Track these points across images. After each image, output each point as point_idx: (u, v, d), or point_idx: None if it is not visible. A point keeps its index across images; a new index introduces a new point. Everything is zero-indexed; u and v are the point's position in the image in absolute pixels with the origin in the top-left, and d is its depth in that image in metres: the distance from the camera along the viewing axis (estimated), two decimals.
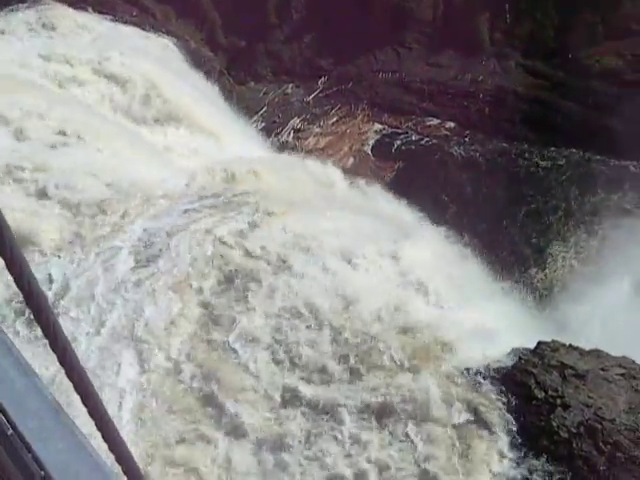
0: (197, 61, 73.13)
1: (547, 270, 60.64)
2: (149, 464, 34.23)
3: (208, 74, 72.56)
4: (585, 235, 63.05)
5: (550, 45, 77.31)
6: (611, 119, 70.87)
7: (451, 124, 75.24)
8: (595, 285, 53.17)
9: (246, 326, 38.98)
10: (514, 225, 64.10)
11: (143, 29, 70.70)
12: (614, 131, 69.73)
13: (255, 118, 77.35)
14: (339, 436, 35.64)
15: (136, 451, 34.66)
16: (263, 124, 77.06)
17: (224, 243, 42.59)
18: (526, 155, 70.49)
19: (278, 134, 76.24)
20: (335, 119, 77.41)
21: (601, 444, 33.72)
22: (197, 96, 64.19)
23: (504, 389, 36.38)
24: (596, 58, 75.36)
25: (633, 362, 37.79)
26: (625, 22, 76.59)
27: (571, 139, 70.61)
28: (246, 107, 76.98)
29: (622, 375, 36.75)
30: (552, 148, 70.87)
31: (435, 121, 76.00)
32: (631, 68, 73.79)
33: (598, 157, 68.93)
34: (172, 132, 59.43)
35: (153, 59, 64.64)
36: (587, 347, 39.33)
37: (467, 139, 73.34)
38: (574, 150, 70.20)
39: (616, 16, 76.41)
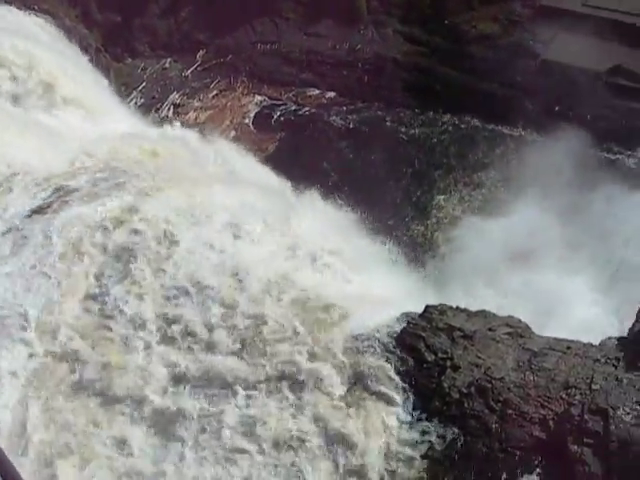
0: (73, 39, 71.39)
1: (431, 222, 61.78)
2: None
3: (85, 51, 70.97)
4: (468, 188, 64.48)
5: (427, 11, 77.89)
6: (488, 84, 72.14)
7: (331, 93, 75.38)
8: (478, 232, 54.83)
9: (134, 306, 38.41)
10: (398, 188, 64.90)
11: (17, 8, 68.47)
12: (491, 95, 71.01)
13: (134, 94, 76.18)
14: (234, 408, 35.55)
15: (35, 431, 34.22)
16: (142, 100, 75.91)
17: (108, 220, 41.85)
18: (406, 121, 71.19)
19: (158, 110, 75.19)
20: (215, 92, 76.69)
21: (492, 402, 34.38)
22: (76, 75, 62.68)
23: (395, 353, 36.75)
24: (472, 23, 76.36)
25: (519, 321, 38.60)
26: None
27: (450, 104, 71.53)
28: (124, 83, 75.75)
29: (509, 334, 37.50)
30: (431, 113, 71.70)
31: (315, 91, 75.99)
32: (507, 33, 75.09)
33: (477, 121, 70.07)
34: (54, 113, 57.96)
35: (28, 38, 62.82)
36: (475, 298, 40.24)
37: (347, 107, 73.58)
38: (453, 115, 71.18)
39: None
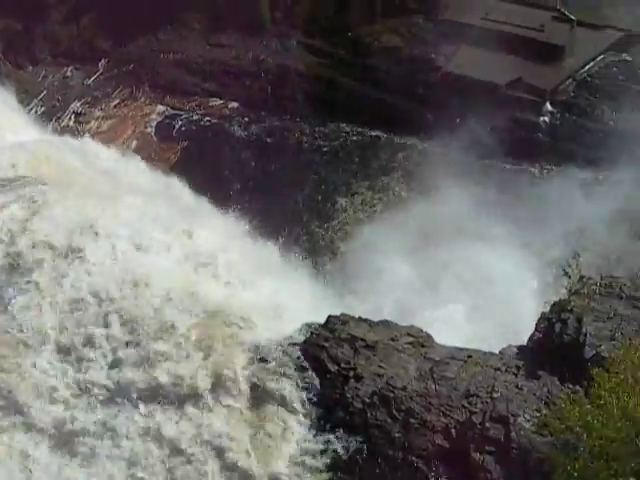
0: None
1: (333, 226, 62.06)
2: None
3: None
4: (371, 192, 65.03)
5: (330, 24, 78.28)
6: (390, 95, 72.81)
7: (234, 104, 75.13)
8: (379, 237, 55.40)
9: (33, 319, 37.64)
10: (300, 195, 64.91)
11: None
12: (393, 107, 71.68)
13: (35, 103, 74.88)
14: (133, 419, 35.06)
15: None
16: (43, 109, 74.63)
17: (5, 231, 40.99)
18: (309, 131, 71.37)
19: (59, 118, 73.96)
20: (117, 102, 75.83)
21: (395, 412, 34.53)
22: None
23: (298, 364, 36.68)
24: (375, 36, 77.03)
25: (421, 330, 38.89)
26: (402, 0, 78.73)
27: (352, 115, 71.89)
28: (25, 92, 74.41)
29: (411, 344, 37.75)
30: (334, 124, 71.94)
31: (218, 101, 75.65)
32: (409, 45, 75.90)
33: (379, 132, 70.59)
34: None
35: None
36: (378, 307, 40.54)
37: (250, 117, 73.37)
38: (356, 125, 71.52)
39: None
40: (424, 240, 55.65)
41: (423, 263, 53.80)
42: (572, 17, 78.17)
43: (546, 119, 70.82)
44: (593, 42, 77.26)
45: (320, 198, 64.97)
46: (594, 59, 76.08)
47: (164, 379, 36.04)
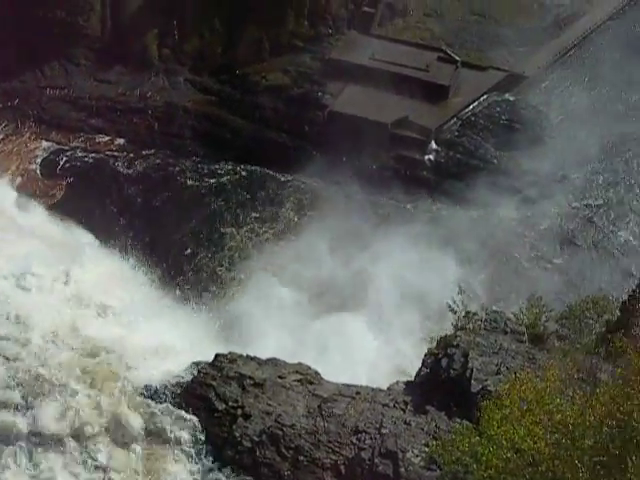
0: None
1: (220, 257, 61.89)
2: None
3: None
4: (257, 227, 65.11)
5: (218, 61, 78.34)
6: (277, 133, 73.18)
7: (121, 140, 74.24)
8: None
9: None
10: (187, 230, 64.47)
11: None
12: (280, 145, 72.02)
13: None
14: (19, 463, 34.12)
15: None
16: None
17: None
18: (197, 168, 70.97)
19: None
20: (1, 137, 74.34)
21: (283, 450, 34.39)
22: None
23: (185, 404, 36.29)
24: (263, 74, 77.36)
25: (309, 367, 38.92)
26: (289, 39, 79.34)
27: (240, 153, 71.77)
28: None
29: (299, 381, 37.73)
30: (223, 161, 71.79)
31: (104, 137, 74.54)
32: (296, 84, 76.48)
33: (266, 169, 70.65)
34: None
35: None
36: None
37: (137, 154, 72.53)
38: (244, 163, 71.50)
39: (280, 33, 78.91)
40: (309, 268, 56.57)
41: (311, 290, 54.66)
42: (457, 58, 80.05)
43: (431, 157, 72.04)
44: (477, 82, 79.21)
45: (207, 232, 64.70)
46: (478, 99, 78.02)
47: (48, 420, 35.20)
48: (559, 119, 76.47)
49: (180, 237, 63.82)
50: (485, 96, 78.60)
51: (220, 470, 34.92)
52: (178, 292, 54.77)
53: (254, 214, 66.43)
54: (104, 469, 34.54)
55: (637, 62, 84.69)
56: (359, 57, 78.46)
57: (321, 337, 49.42)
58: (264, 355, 39.83)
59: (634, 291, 32.87)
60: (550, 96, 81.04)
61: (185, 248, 62.89)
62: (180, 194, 68.12)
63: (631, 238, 65.62)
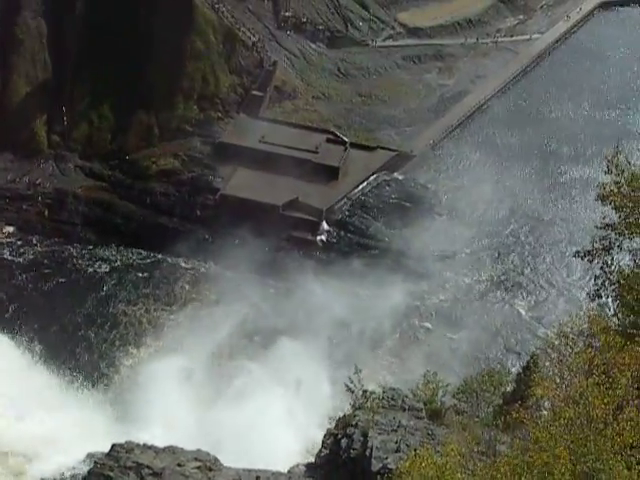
0: None
1: (115, 344, 61.01)
2: None
3: None
4: (149, 314, 64.43)
5: (108, 147, 78.04)
6: (169, 218, 72.90)
7: (10, 228, 72.94)
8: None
9: None
10: (80, 316, 63.36)
11: None
12: (172, 230, 71.70)
13: None
14: None
15: None
16: None
17: None
18: (88, 254, 70.13)
19: None
20: None
21: None
22: None
23: None
24: (153, 159, 77.35)
25: (208, 454, 38.27)
26: (179, 124, 79.64)
27: (132, 239, 71.23)
28: None
29: (198, 468, 37.03)
30: (114, 247, 71.06)
31: None
32: (187, 168, 76.55)
33: (159, 254, 70.16)
34: None
35: None
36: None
37: (27, 241, 71.35)
38: (136, 248, 70.90)
39: (170, 118, 79.20)
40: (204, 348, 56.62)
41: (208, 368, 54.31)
42: (346, 139, 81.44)
43: (323, 238, 72.58)
44: (366, 162, 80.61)
45: (101, 314, 63.82)
46: (367, 178, 79.30)
47: None
48: (447, 196, 78.25)
49: (74, 321, 62.76)
50: (374, 176, 80.00)
51: None
52: (71, 378, 53.57)
53: (148, 296, 65.86)
54: None
55: (519, 136, 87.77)
56: (249, 140, 79.20)
57: (220, 419, 48.85)
58: (161, 440, 39.06)
59: (528, 363, 33.42)
60: (437, 174, 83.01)
61: (79, 332, 61.86)
62: (73, 279, 67.21)
63: (522, 312, 66.98)
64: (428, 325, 65.03)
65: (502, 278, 70.18)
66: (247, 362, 57.51)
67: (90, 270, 68.39)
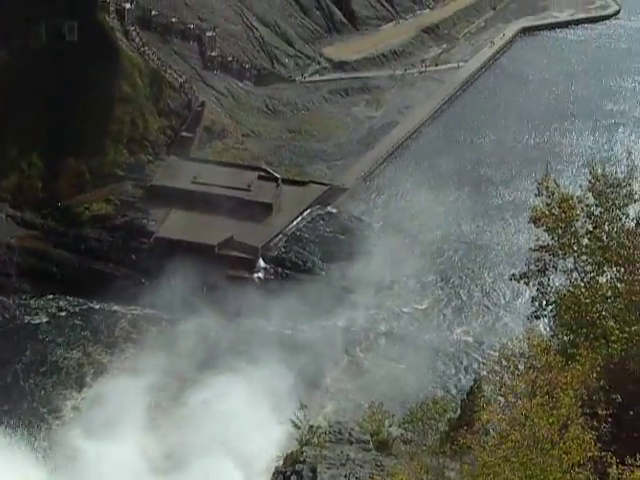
0: None
1: (58, 399, 60.09)
2: None
3: None
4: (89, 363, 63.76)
5: (39, 195, 77.15)
6: (104, 264, 72.19)
7: None
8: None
9: None
10: (20, 374, 62.20)
11: None
12: (108, 275, 71.01)
13: None
14: None
15: None
16: None
17: None
18: (26, 305, 69.03)
19: None
20: None
21: None
22: None
23: None
24: (85, 205, 76.68)
25: None
26: (110, 168, 79.23)
27: (68, 286, 70.28)
28: None
29: None
30: (51, 296, 70.03)
31: None
32: (120, 213, 76.06)
33: (95, 302, 69.29)
34: None
35: None
36: None
37: None
38: (72, 296, 70.01)
39: (100, 163, 78.77)
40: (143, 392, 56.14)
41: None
42: (277, 175, 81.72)
43: (260, 275, 72.50)
44: (299, 197, 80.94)
45: (39, 363, 62.88)
46: (301, 213, 79.61)
47: None
48: (381, 226, 78.72)
49: (13, 372, 61.67)
50: (308, 210, 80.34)
51: None
52: (9, 431, 52.66)
53: (88, 340, 65.16)
54: None
55: (449, 163, 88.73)
56: (181, 181, 79.05)
57: (159, 462, 48.41)
58: None
59: (471, 388, 33.59)
60: (370, 205, 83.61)
61: (19, 382, 60.80)
62: (10, 330, 66.13)
63: (463, 337, 67.44)
64: (370, 355, 65.16)
65: (442, 304, 70.64)
66: (188, 402, 57.00)
67: (28, 320, 67.39)
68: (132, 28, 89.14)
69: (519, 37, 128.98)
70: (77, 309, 68.76)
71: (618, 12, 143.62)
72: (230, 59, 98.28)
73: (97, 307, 68.85)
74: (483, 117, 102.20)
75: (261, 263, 73.42)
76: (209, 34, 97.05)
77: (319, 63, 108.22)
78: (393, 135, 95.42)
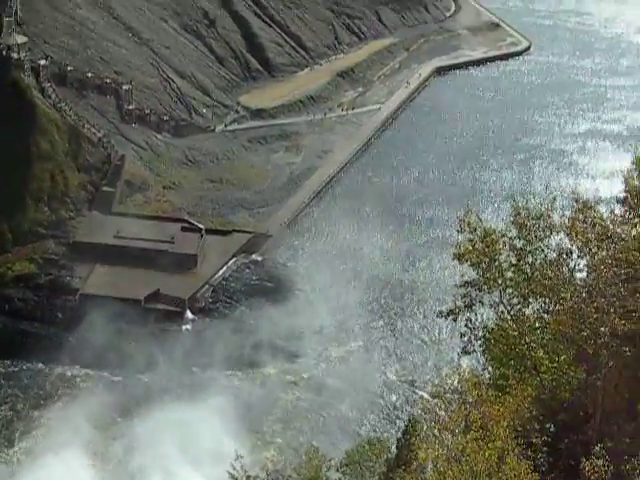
0: None
1: None
2: None
3: None
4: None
5: None
6: (29, 324, 70.97)
7: None
8: None
9: None
10: None
11: None
12: (34, 335, 69.79)
13: None
14: None
15: None
16: None
17: None
18: None
19: None
20: None
21: None
22: None
23: None
24: (8, 265, 75.44)
25: None
26: (31, 226, 78.17)
27: None
28: None
29: None
30: None
31: None
32: (43, 271, 75.04)
33: (23, 362, 67.92)
34: None
35: None
36: None
37: None
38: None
39: (21, 221, 77.72)
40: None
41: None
42: (200, 226, 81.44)
43: (188, 327, 71.98)
44: (224, 247, 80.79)
45: None
46: (227, 263, 79.35)
47: None
48: (307, 271, 78.72)
49: None
50: (233, 259, 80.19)
51: None
52: None
53: (17, 398, 63.76)
54: None
55: (372, 205, 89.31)
56: (104, 236, 78.37)
57: None
58: None
59: (407, 427, 33.62)
60: (295, 251, 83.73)
61: None
62: None
63: (394, 377, 67.58)
64: (304, 401, 64.89)
65: (372, 345, 70.86)
66: (118, 460, 56.33)
67: None
68: (48, 85, 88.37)
69: (434, 77, 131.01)
70: (3, 370, 67.28)
71: (529, 48, 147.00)
72: (148, 112, 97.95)
73: (24, 367, 67.48)
74: (403, 157, 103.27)
75: (189, 315, 72.96)
76: (126, 87, 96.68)
77: (237, 112, 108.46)
78: (314, 180, 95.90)
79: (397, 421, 60.58)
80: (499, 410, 24.05)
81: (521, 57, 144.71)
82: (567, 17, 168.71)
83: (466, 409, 24.62)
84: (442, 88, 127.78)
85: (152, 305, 72.09)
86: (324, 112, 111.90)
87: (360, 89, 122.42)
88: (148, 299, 72.13)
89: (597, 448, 23.65)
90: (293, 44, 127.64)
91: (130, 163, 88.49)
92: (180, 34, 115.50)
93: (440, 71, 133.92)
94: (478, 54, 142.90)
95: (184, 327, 71.73)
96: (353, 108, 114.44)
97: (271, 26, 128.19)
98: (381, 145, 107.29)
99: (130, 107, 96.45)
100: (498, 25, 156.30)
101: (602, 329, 27.43)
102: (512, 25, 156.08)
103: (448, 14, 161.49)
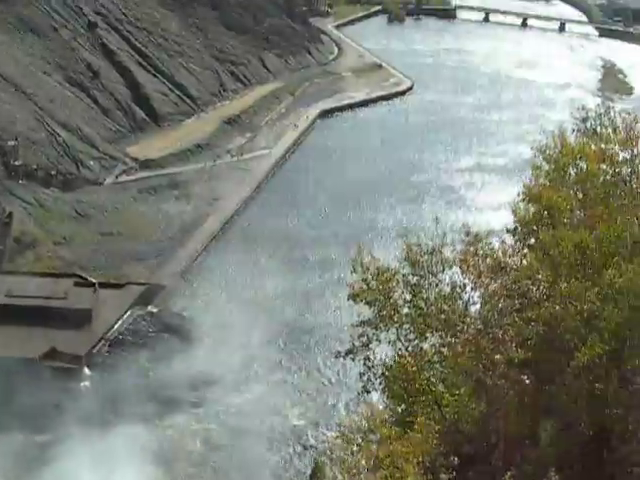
0: None
1: None
2: None
3: None
4: None
5: None
6: None
7: None
8: None
9: None
10: None
11: None
12: None
13: None
14: None
15: None
16: None
17: None
18: None
19: None
20: None
21: None
22: None
23: None
24: None
25: None
26: None
27: None
28: None
29: None
30: None
31: None
32: None
33: None
34: None
35: None
36: None
37: None
38: None
39: None
40: None
41: None
42: (93, 280, 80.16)
43: (87, 384, 70.60)
44: (118, 300, 79.55)
45: None
46: (122, 316, 78.11)
47: None
48: (203, 320, 77.93)
49: None
50: (129, 312, 78.89)
51: None
52: None
53: None
54: None
55: (265, 250, 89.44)
56: None
57: None
58: None
59: (313, 471, 33.50)
60: (191, 300, 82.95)
61: None
62: None
63: (297, 421, 67.26)
64: (207, 452, 64.09)
65: (274, 389, 70.36)
66: None
67: None
68: None
69: (320, 119, 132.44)
70: None
71: (412, 87, 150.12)
72: (35, 167, 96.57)
73: None
74: (293, 200, 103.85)
75: (86, 371, 71.59)
76: (11, 143, 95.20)
77: (125, 163, 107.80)
78: (206, 228, 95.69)
79: (301, 466, 60.24)
80: (407, 447, 24.11)
81: (405, 96, 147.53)
82: (448, 55, 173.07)
83: (373, 447, 24.64)
84: (329, 130, 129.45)
85: (48, 363, 70.47)
86: (213, 159, 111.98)
87: (248, 135, 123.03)
88: (43, 357, 70.50)
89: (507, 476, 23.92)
90: (178, 93, 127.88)
91: (18, 220, 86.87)
92: (64, 87, 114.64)
93: (326, 113, 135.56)
94: (362, 95, 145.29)
95: (82, 384, 70.25)
96: (242, 154, 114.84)
97: (156, 76, 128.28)
98: (272, 189, 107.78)
99: (16, 163, 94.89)
100: (381, 66, 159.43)
101: (498, 357, 27.84)
102: (395, 65, 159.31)
103: (331, 57, 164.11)
